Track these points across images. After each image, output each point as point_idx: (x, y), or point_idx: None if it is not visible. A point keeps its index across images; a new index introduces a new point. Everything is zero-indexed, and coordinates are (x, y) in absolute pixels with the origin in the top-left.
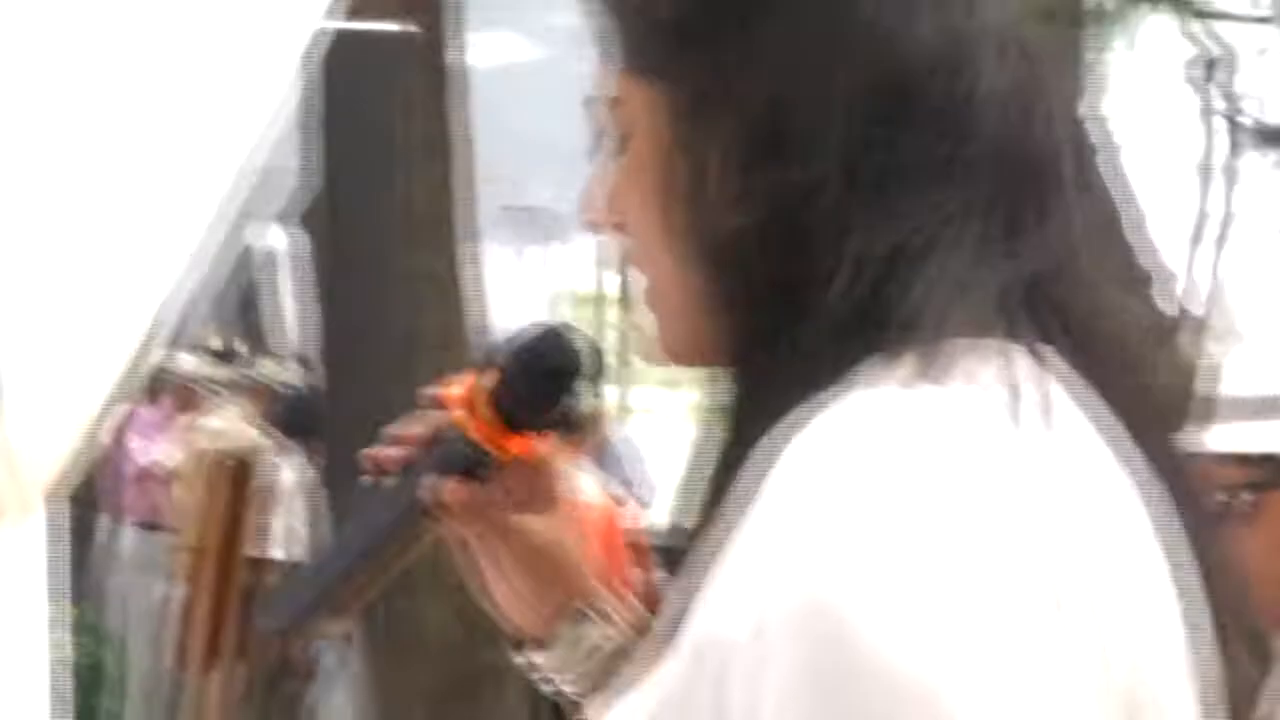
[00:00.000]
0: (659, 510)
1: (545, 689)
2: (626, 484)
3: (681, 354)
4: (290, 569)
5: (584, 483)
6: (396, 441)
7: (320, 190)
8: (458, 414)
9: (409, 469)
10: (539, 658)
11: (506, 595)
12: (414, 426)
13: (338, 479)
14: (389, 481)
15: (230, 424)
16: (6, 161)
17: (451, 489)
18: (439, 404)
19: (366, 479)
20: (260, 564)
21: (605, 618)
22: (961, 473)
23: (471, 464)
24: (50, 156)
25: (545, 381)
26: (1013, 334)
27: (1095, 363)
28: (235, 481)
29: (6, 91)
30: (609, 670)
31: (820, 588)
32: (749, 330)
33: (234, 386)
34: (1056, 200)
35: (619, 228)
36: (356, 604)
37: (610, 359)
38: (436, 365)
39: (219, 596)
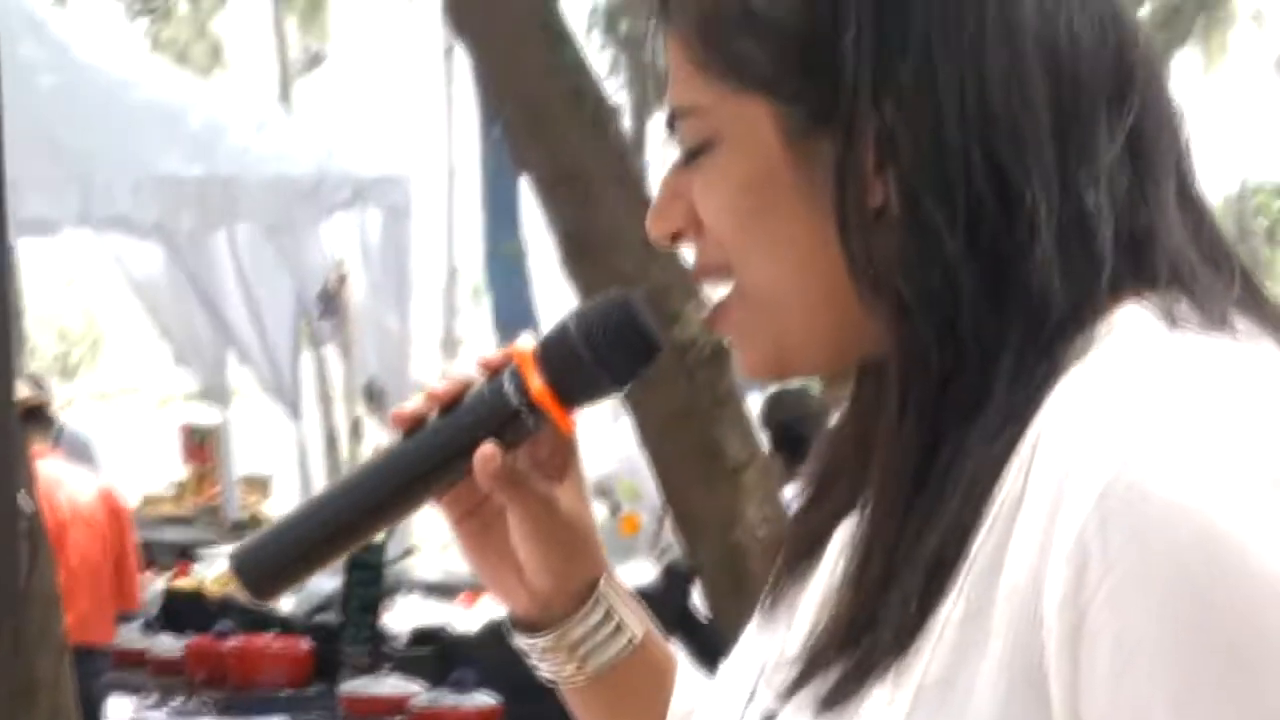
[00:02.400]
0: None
1: (548, 673)
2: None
3: (784, 363)
4: (271, 524)
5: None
6: (429, 401)
7: None
8: (527, 373)
9: (424, 427)
10: (551, 637)
11: (532, 567)
12: (443, 388)
13: None
14: (406, 440)
15: None
16: None
17: (490, 452)
18: (486, 366)
19: (392, 437)
20: None
21: (623, 596)
22: None
23: (507, 425)
24: None
25: (615, 355)
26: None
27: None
28: None
29: None
30: (617, 652)
31: (1207, 515)
32: (939, 320)
33: None
34: (1189, 160)
35: (699, 233)
36: (341, 557)
37: None
38: None
39: None
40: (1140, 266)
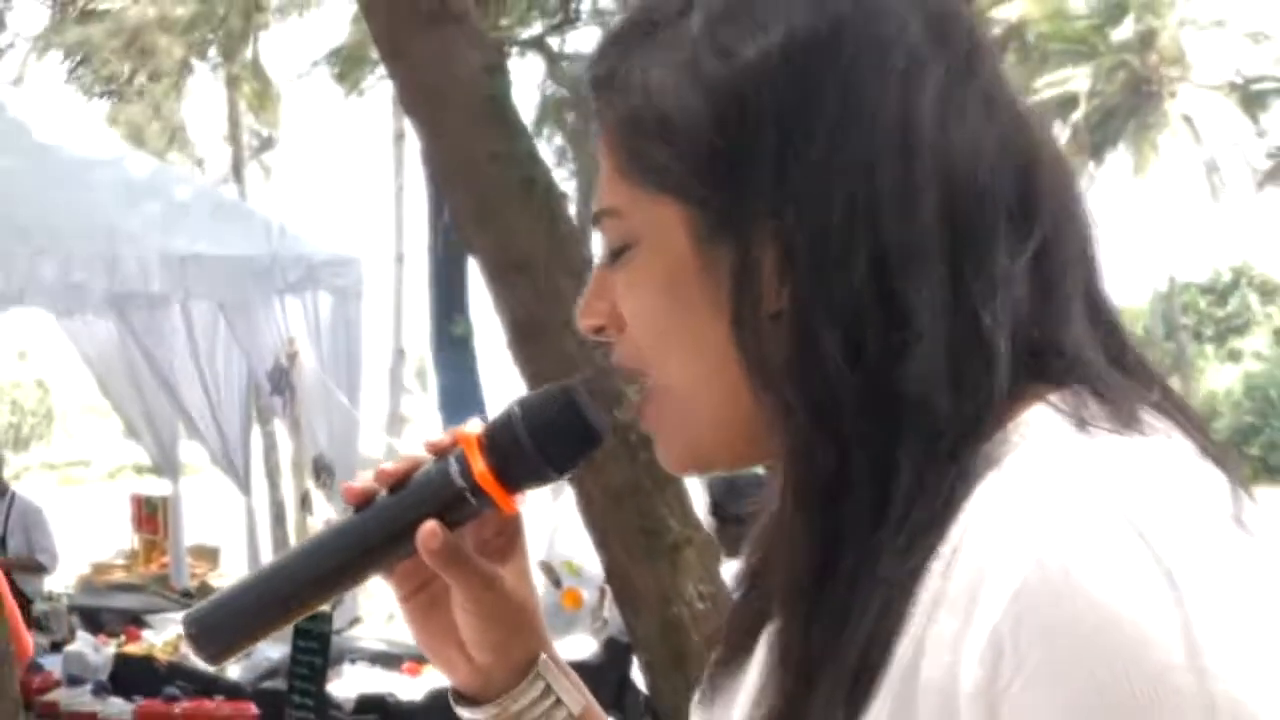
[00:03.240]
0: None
1: None
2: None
3: (700, 459)
4: (223, 590)
5: None
6: (380, 479)
7: None
8: (472, 457)
9: (373, 503)
10: (491, 710)
11: (474, 642)
12: (393, 467)
13: None
14: (356, 515)
15: None
16: None
17: (432, 530)
18: (433, 449)
19: (345, 510)
20: None
21: (563, 671)
22: (1204, 502)
23: (451, 505)
24: None
25: (555, 446)
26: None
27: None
28: None
29: None
30: None
31: (1107, 603)
32: (824, 424)
33: None
34: (1096, 269)
35: (619, 329)
36: (290, 624)
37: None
38: None
39: None
40: (1045, 374)
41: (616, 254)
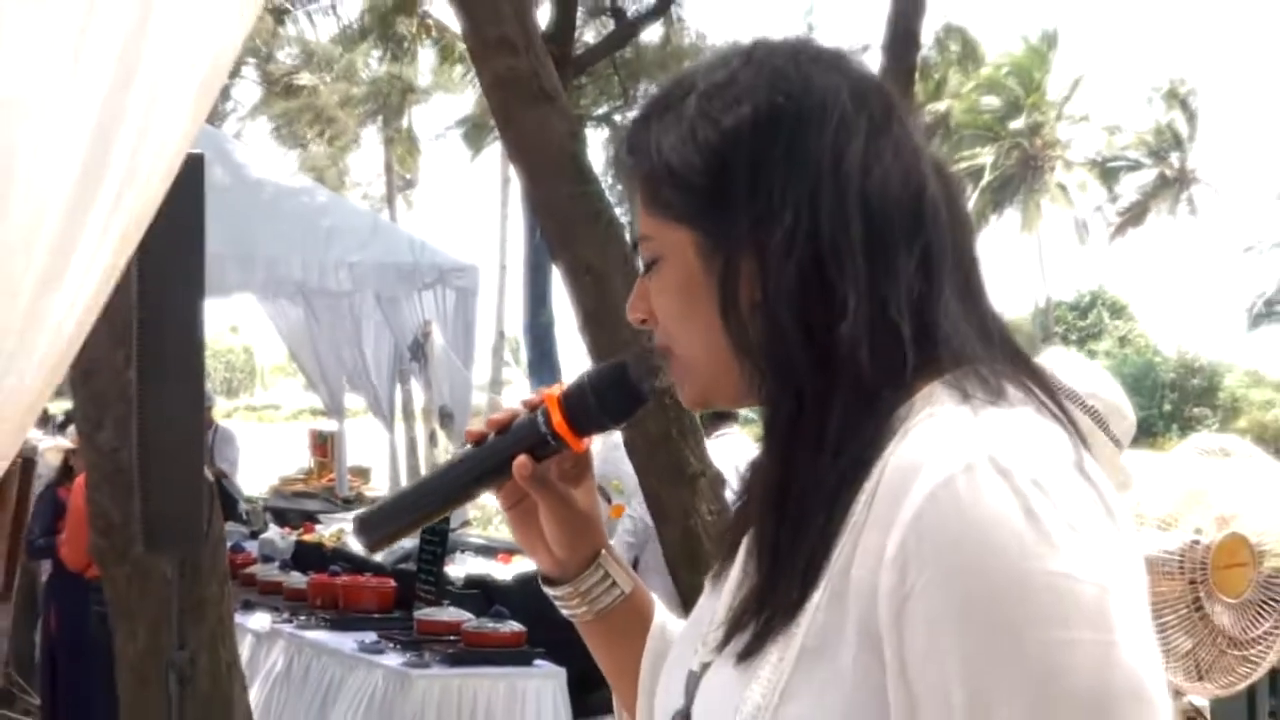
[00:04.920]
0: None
1: (566, 613)
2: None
3: (708, 402)
4: (382, 500)
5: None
6: (489, 425)
7: None
8: (552, 410)
9: (485, 442)
10: (567, 589)
11: (554, 541)
12: (499, 417)
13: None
14: (473, 449)
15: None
16: None
17: (523, 462)
18: (527, 404)
19: (465, 446)
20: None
21: (618, 562)
22: (1061, 451)
23: (538, 445)
24: None
25: (612, 404)
26: (995, 360)
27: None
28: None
29: None
30: (612, 600)
31: (980, 527)
32: (786, 381)
33: None
34: (975, 269)
35: (654, 320)
36: (427, 524)
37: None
38: None
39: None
40: (933, 351)
41: (649, 267)
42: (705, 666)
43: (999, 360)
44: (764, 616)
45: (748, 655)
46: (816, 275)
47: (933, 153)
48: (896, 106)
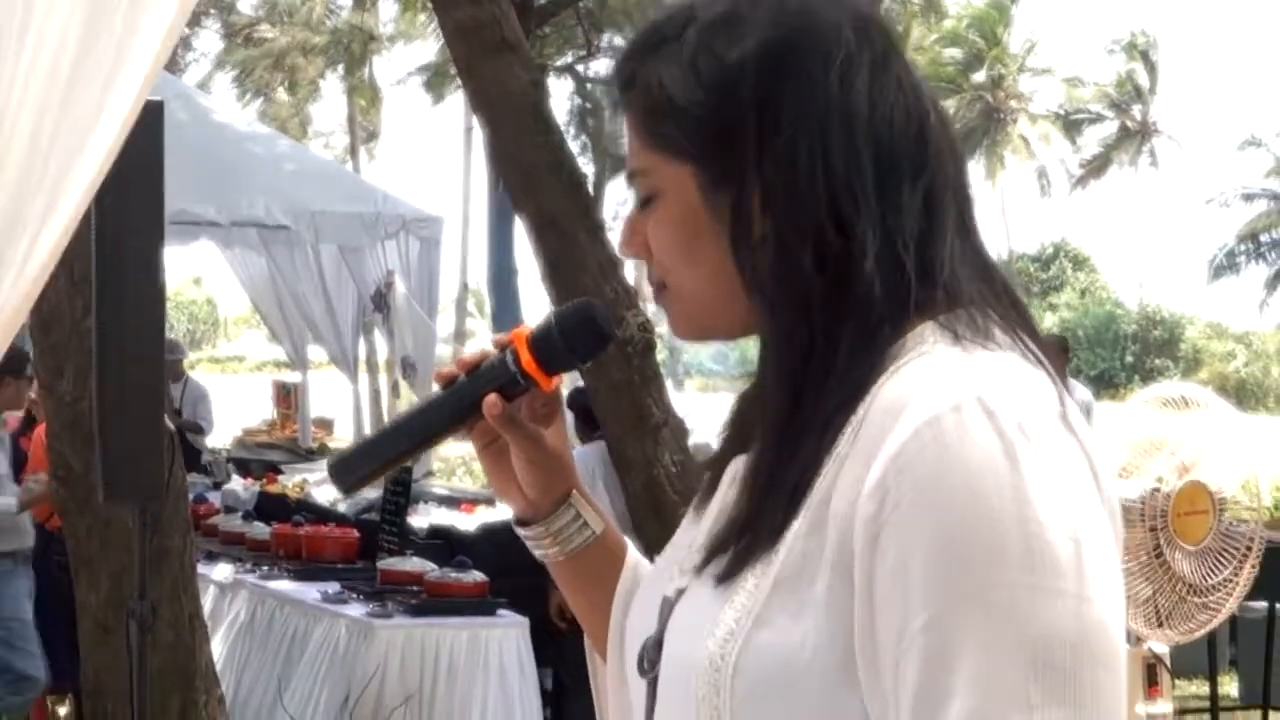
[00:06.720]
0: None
1: (538, 554)
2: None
3: (705, 334)
4: (354, 443)
5: None
6: (460, 365)
7: None
8: (521, 350)
9: (455, 383)
10: (539, 529)
11: (525, 481)
12: (469, 357)
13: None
14: (444, 391)
15: None
16: None
17: (493, 401)
18: (497, 344)
19: (435, 388)
20: None
21: (590, 503)
22: (1048, 397)
23: (507, 384)
24: None
25: (579, 343)
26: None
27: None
28: None
29: None
30: (584, 540)
31: (961, 464)
32: (799, 313)
33: None
34: (970, 206)
35: (649, 255)
36: (395, 469)
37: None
38: None
39: None
40: (932, 289)
41: (645, 203)
42: (680, 592)
43: (992, 302)
44: (745, 540)
45: (726, 578)
46: (831, 210)
47: (929, 88)
48: (896, 41)
